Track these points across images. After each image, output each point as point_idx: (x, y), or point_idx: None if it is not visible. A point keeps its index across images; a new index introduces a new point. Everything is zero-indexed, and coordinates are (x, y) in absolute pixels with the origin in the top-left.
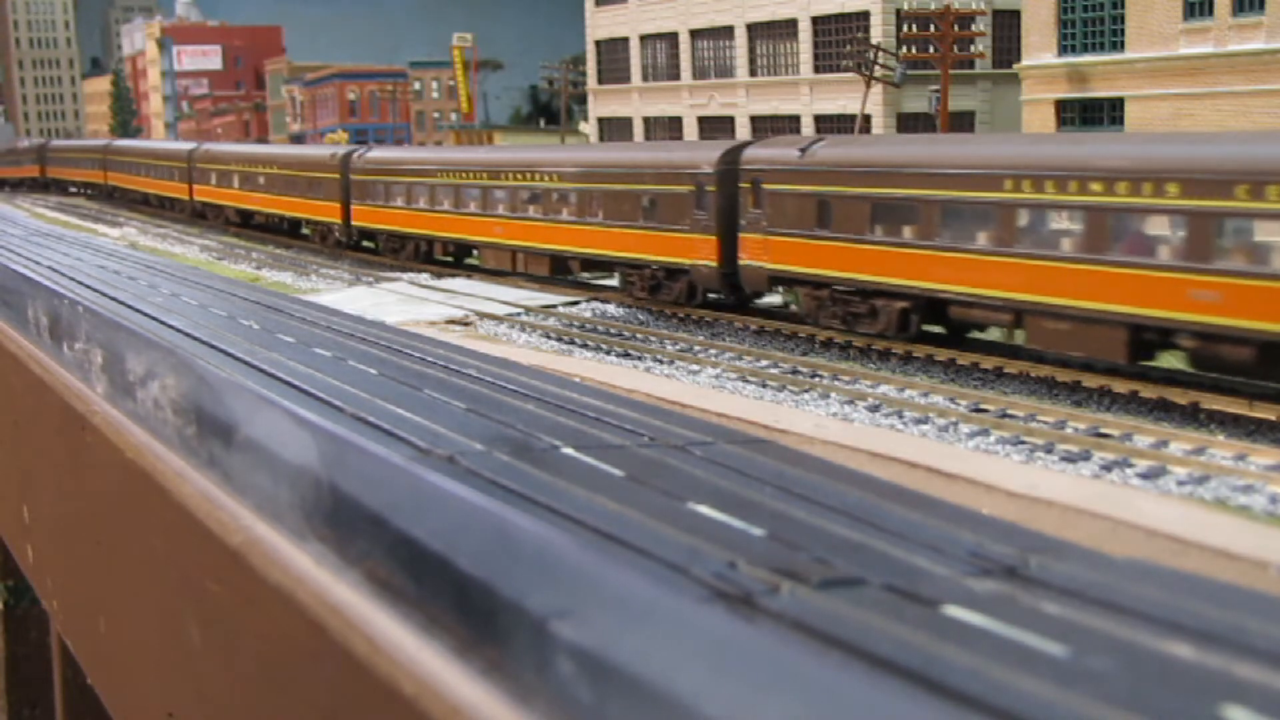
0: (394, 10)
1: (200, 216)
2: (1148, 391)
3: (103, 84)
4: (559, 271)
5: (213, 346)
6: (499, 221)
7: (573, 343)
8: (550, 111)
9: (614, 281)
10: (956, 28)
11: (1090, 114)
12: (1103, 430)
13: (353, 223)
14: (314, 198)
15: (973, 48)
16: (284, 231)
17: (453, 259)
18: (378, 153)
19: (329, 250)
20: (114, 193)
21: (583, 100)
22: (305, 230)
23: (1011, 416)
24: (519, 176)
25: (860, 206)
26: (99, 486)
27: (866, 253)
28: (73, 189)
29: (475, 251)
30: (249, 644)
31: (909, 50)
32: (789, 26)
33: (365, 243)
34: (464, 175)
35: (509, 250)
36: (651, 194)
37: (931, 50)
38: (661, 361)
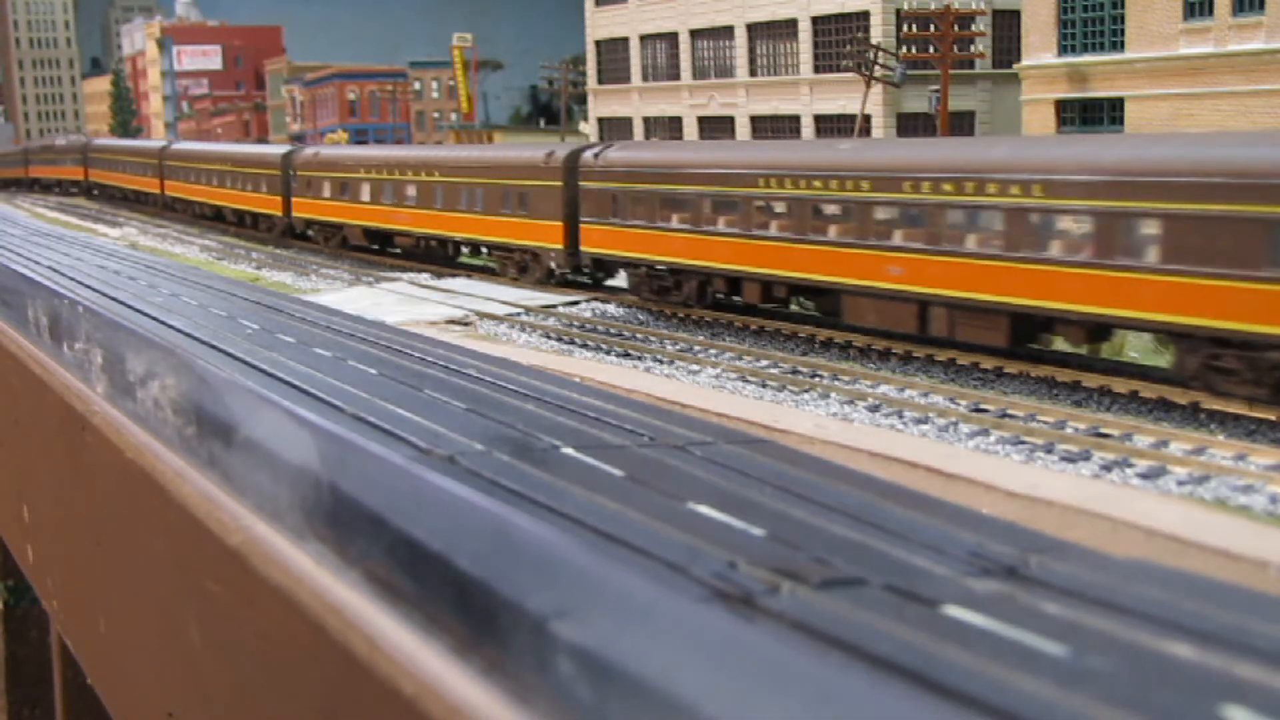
0: (394, 10)
1: (298, 237)
2: (1148, 391)
3: (103, 84)
4: (1023, 338)
5: (213, 346)
6: (893, 257)
7: (573, 343)
8: (550, 111)
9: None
10: (956, 28)
11: (1090, 114)
12: (1103, 430)
13: (583, 248)
14: (514, 214)
15: (973, 48)
16: (438, 259)
17: (736, 300)
18: (628, 152)
19: (529, 282)
20: (173, 204)
21: (583, 100)
22: (477, 257)
23: (1011, 416)
24: (947, 188)
25: None
26: (99, 486)
27: None
28: (119, 196)
29: (791, 297)
30: (249, 644)
31: (909, 50)
32: (789, 26)
33: (573, 274)
34: (806, 185)
35: (912, 301)
36: None
37: (931, 50)
38: (661, 361)
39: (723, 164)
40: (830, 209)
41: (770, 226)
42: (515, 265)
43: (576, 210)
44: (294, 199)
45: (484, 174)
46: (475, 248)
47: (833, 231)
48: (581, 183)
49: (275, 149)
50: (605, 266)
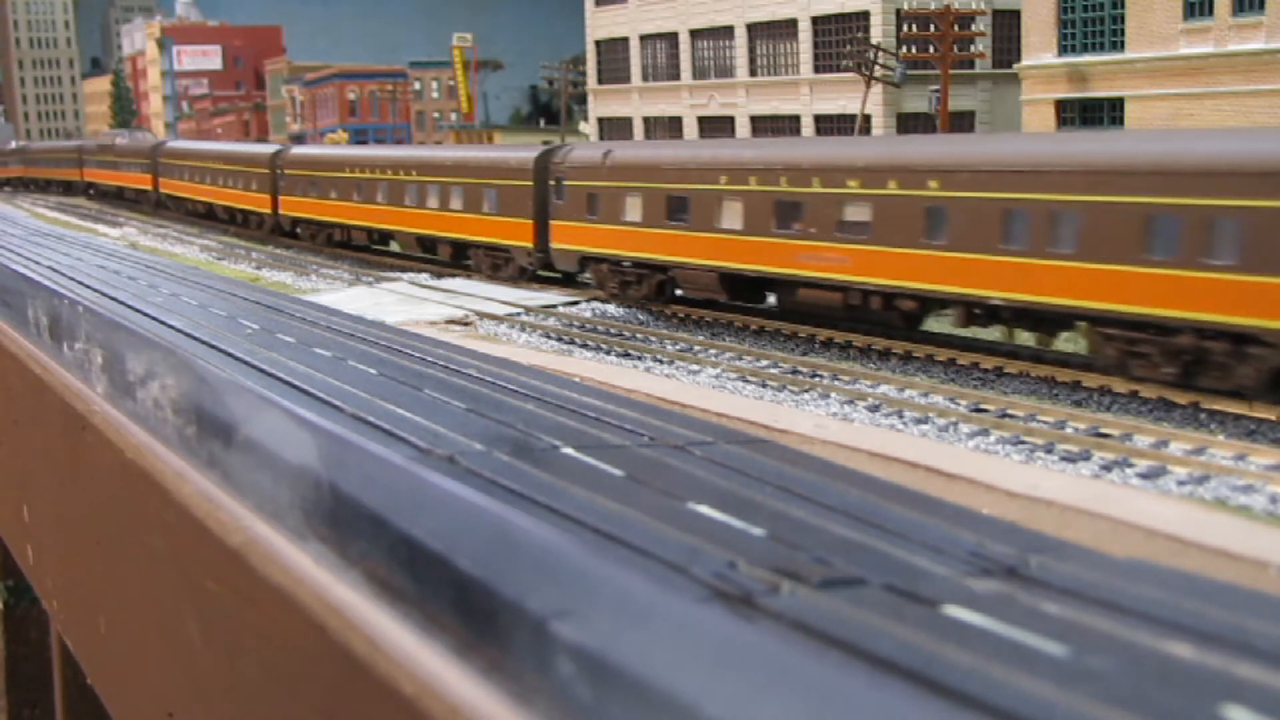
0: (394, 10)
1: (544, 280)
2: (1148, 391)
3: (103, 84)
4: None
5: (213, 346)
6: None
7: (573, 343)
8: (550, 111)
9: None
10: (956, 28)
11: (1090, 114)
12: (1103, 430)
13: None
14: (1101, 257)
15: (973, 48)
16: (896, 328)
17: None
18: None
19: (1217, 386)
20: (293, 228)
21: (583, 100)
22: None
23: (1011, 416)
24: None
25: None
26: (99, 486)
27: None
28: (203, 213)
29: None
30: (249, 644)
31: (909, 50)
32: (789, 26)
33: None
34: None
35: None
36: None
37: (931, 50)
38: (661, 361)
39: None
40: None
41: None
42: (1168, 356)
43: None
44: (557, 222)
45: (1113, 187)
46: (1053, 320)
47: None
48: None
49: (519, 151)
50: None
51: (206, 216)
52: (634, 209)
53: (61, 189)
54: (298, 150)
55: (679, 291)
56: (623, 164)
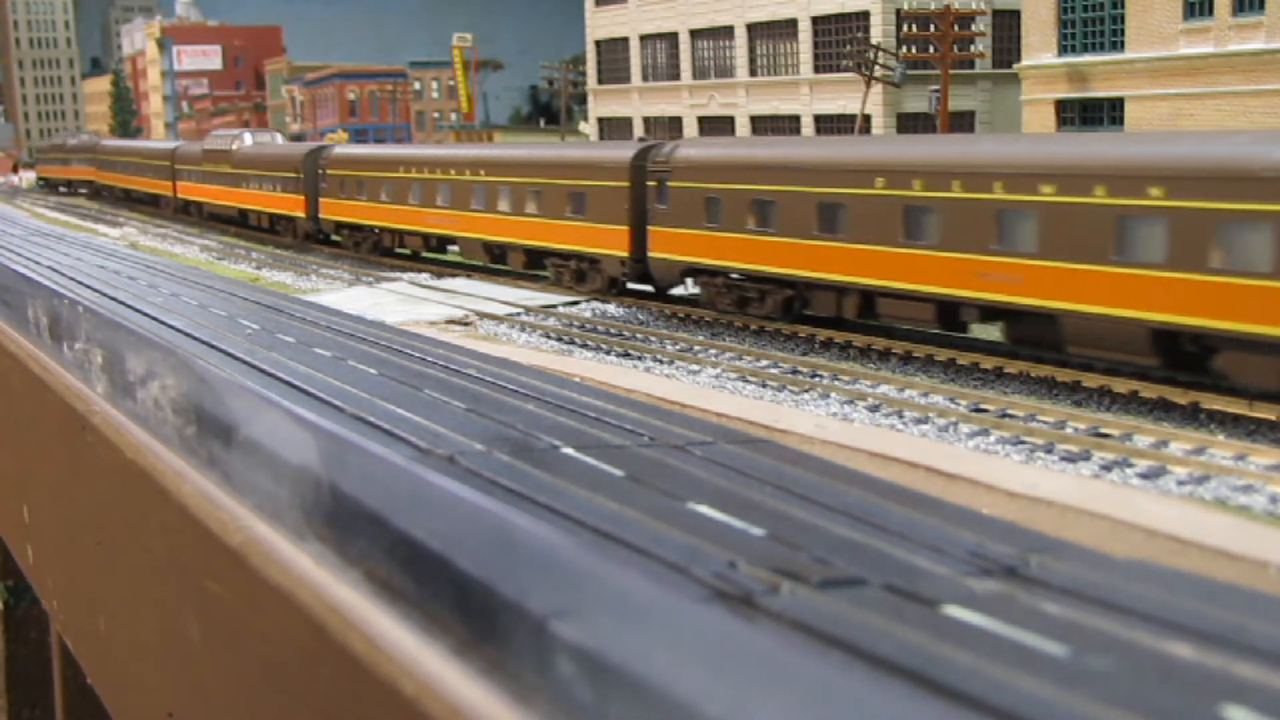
0: (394, 10)
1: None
2: (1148, 391)
3: (103, 84)
4: None
5: (213, 346)
6: None
7: (573, 343)
8: (550, 111)
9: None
10: (956, 28)
11: (1090, 114)
12: (1103, 430)
13: None
14: None
15: (973, 48)
16: None
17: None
18: None
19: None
20: (685, 277)
21: (583, 100)
22: None
23: (1011, 416)
24: None
25: None
26: (99, 486)
27: None
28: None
29: None
30: (249, 644)
31: (909, 50)
32: (789, 26)
33: None
34: None
35: None
36: None
37: (931, 50)
38: (661, 361)
39: None
40: None
41: None
42: None
43: None
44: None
45: None
46: None
47: None
48: None
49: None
50: None
51: (390, 252)
52: None
53: (146, 203)
54: (695, 149)
55: None
56: None
